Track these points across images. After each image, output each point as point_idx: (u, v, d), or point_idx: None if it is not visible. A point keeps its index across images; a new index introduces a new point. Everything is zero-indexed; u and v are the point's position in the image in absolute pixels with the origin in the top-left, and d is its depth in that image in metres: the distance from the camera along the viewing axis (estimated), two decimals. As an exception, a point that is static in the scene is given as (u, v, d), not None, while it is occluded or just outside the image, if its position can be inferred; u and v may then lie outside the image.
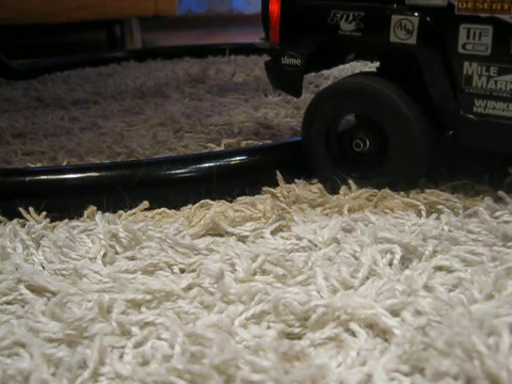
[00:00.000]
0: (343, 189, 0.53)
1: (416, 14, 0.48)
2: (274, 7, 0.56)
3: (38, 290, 0.39)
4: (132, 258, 0.44)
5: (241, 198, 0.53)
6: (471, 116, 0.48)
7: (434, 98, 0.49)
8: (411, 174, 0.51)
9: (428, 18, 0.48)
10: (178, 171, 0.54)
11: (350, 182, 0.53)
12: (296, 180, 0.55)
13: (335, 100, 0.53)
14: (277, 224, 0.48)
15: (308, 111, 0.55)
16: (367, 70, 0.74)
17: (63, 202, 0.51)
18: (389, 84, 0.51)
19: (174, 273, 0.41)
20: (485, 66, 0.46)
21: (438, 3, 0.47)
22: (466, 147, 0.50)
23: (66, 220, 0.50)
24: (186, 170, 0.54)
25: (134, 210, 0.51)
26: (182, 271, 0.42)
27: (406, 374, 0.30)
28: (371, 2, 0.50)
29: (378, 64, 0.59)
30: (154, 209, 0.51)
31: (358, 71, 0.66)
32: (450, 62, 0.48)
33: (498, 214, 0.47)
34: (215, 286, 0.38)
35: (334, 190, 0.53)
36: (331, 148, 0.55)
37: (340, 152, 0.54)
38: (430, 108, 0.50)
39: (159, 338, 0.34)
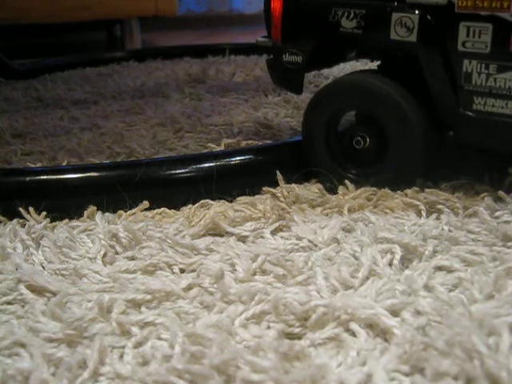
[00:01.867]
0: (342, 189, 0.53)
1: (416, 12, 0.48)
2: (276, 5, 0.57)
3: (38, 290, 0.39)
4: (132, 258, 0.44)
5: (241, 198, 0.53)
6: (470, 113, 0.48)
7: (434, 96, 0.50)
8: (410, 172, 0.51)
9: (428, 16, 0.48)
10: (177, 171, 0.54)
11: (347, 182, 0.53)
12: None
13: (335, 97, 0.54)
14: (277, 224, 0.48)
15: (308, 108, 0.55)
16: (367, 68, 0.74)
17: (63, 202, 0.51)
18: (389, 81, 0.51)
19: (174, 273, 0.41)
20: (484, 63, 0.47)
21: (438, 1, 0.47)
22: (465, 145, 0.50)
23: (66, 220, 0.50)
24: (186, 169, 0.54)
25: (133, 210, 0.51)
26: (182, 271, 0.42)
27: (406, 374, 0.30)
28: None
29: (378, 63, 0.59)
30: (154, 209, 0.51)
31: (357, 70, 0.66)
32: (450, 60, 0.48)
33: (498, 214, 0.47)
34: (215, 285, 0.38)
35: (333, 190, 0.53)
36: (331, 145, 0.55)
37: (340, 149, 0.55)
38: (430, 106, 0.50)
39: (159, 338, 0.34)
